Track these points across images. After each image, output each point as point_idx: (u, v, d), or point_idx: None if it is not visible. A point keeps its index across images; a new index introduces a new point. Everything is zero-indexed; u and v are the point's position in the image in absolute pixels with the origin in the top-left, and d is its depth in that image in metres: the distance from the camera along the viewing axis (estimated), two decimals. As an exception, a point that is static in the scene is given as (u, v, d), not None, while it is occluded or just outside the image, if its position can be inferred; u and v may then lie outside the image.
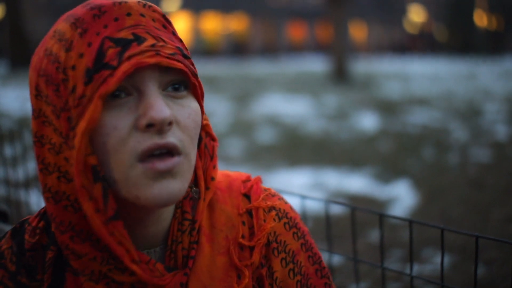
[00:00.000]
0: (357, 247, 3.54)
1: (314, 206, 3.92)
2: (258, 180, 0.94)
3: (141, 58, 0.72)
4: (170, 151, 0.74)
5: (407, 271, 3.48)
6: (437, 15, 51.56)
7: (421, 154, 7.15)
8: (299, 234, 0.92)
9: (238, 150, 7.50)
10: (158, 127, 0.72)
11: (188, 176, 0.77)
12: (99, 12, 0.74)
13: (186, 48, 0.81)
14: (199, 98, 0.81)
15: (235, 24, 42.47)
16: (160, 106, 0.72)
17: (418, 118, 10.28)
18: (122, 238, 0.74)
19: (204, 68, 25.92)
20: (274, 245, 0.88)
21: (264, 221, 0.88)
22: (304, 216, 1.50)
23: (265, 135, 8.65)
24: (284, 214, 0.92)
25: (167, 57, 0.74)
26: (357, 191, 5.38)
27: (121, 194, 0.74)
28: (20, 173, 3.22)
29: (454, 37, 47.23)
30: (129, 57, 0.72)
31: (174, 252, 0.82)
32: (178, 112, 0.76)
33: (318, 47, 45.31)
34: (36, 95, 0.77)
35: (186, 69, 0.76)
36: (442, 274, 1.09)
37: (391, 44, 52.24)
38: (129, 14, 0.75)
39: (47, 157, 0.76)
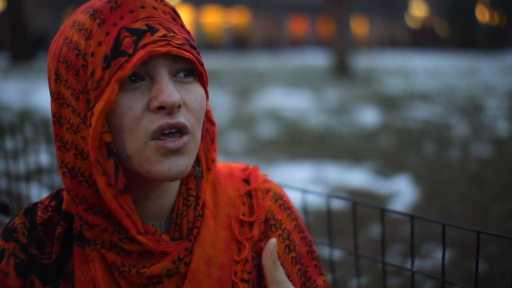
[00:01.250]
0: (358, 242, 3.55)
1: (315, 200, 3.93)
2: (256, 168, 1.04)
3: (154, 47, 0.80)
4: (179, 130, 0.82)
5: (408, 266, 3.49)
6: (438, 10, 51.44)
7: (422, 149, 7.14)
8: (292, 216, 1.00)
9: (239, 144, 7.50)
10: (168, 109, 0.80)
11: (194, 154, 0.85)
12: (115, 4, 0.82)
13: (193, 39, 0.89)
14: (205, 84, 0.89)
15: (236, 18, 42.40)
16: (171, 91, 0.80)
17: (419, 113, 10.27)
18: (130, 211, 0.82)
19: (205, 62, 25.72)
20: (272, 222, 0.97)
21: (263, 200, 0.97)
22: (305, 210, 1.50)
23: (266, 129, 8.65)
24: (279, 197, 1.01)
25: (177, 47, 0.82)
26: (358, 186, 5.39)
27: (133, 168, 0.82)
28: (21, 166, 3.23)
29: (455, 32, 47.13)
30: (144, 46, 0.79)
31: (179, 225, 0.90)
32: (186, 96, 0.84)
33: (319, 42, 45.24)
34: (56, 79, 0.84)
35: (194, 58, 0.84)
36: (443, 269, 1.09)
37: (392, 39, 52.14)
38: (143, 7, 0.83)
39: (65, 135, 0.83)
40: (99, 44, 0.80)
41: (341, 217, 4.03)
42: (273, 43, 43.56)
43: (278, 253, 0.94)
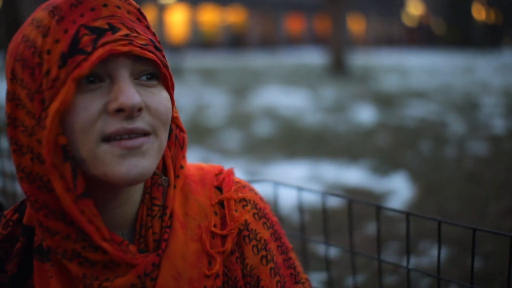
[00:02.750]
0: (355, 240, 3.55)
1: (312, 198, 3.92)
2: (230, 173, 0.98)
3: (115, 45, 0.76)
4: (138, 136, 0.77)
5: (404, 263, 3.49)
6: (435, 8, 51.50)
7: (419, 147, 7.15)
8: (268, 224, 0.95)
9: (235, 143, 7.49)
10: (128, 112, 0.75)
11: (157, 157, 0.80)
12: (76, 1, 0.78)
13: (158, 41, 0.85)
14: (170, 89, 0.85)
15: (233, 16, 42.38)
16: (131, 92, 0.76)
17: (416, 111, 10.29)
18: (92, 216, 0.77)
19: (201, 61, 25.87)
20: (245, 233, 0.92)
21: (236, 211, 0.92)
22: (301, 208, 1.50)
23: (263, 128, 8.65)
24: (254, 205, 0.95)
25: (140, 47, 0.78)
26: (354, 184, 5.39)
27: (89, 172, 0.77)
28: (16, 165, 3.21)
29: (452, 30, 47.20)
30: (104, 44, 0.75)
31: (143, 237, 0.85)
32: (149, 99, 0.79)
33: (316, 40, 45.26)
34: (12, 78, 0.79)
35: (157, 60, 0.80)
36: (438, 266, 1.09)
37: (389, 37, 52.19)
38: (105, 5, 0.79)
39: (20, 138, 0.78)
40: (56, 41, 0.76)
41: (338, 215, 4.03)
42: (270, 41, 43.57)
43: (249, 264, 0.91)
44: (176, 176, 0.90)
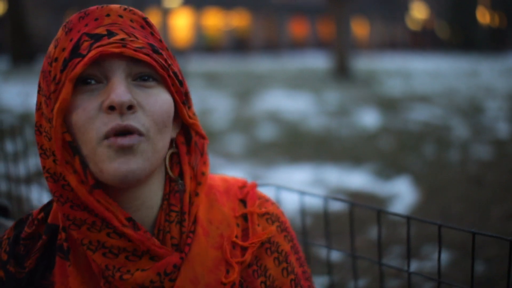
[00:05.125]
0: (357, 244, 3.55)
1: (314, 202, 3.93)
2: (254, 186, 1.02)
3: (107, 47, 0.81)
4: (131, 133, 0.80)
5: (406, 267, 3.49)
6: (439, 12, 51.46)
7: (422, 151, 7.15)
8: (289, 238, 0.99)
9: (239, 147, 7.50)
10: (118, 109, 0.80)
11: (150, 159, 0.83)
12: (84, 14, 0.86)
13: (163, 47, 0.89)
14: (172, 91, 0.88)
15: (236, 20, 42.42)
16: (121, 91, 0.80)
17: (419, 115, 10.28)
18: (108, 204, 0.82)
19: (205, 65, 25.89)
20: (267, 245, 0.95)
21: (259, 225, 0.96)
22: (303, 212, 1.51)
23: (266, 132, 8.66)
24: (276, 219, 0.99)
25: (134, 50, 0.82)
26: (358, 188, 5.39)
27: (91, 169, 0.82)
28: (21, 169, 3.23)
29: (456, 34, 47.15)
30: (97, 47, 0.81)
31: (161, 241, 0.88)
32: (145, 99, 0.83)
33: (320, 44, 45.25)
34: (38, 90, 0.88)
35: (153, 62, 0.84)
36: (439, 270, 1.10)
37: (392, 41, 52.15)
38: (108, 15, 0.86)
39: (44, 143, 0.86)
40: (63, 49, 0.83)
41: (340, 219, 4.04)
42: (274, 45, 43.58)
43: (271, 275, 0.94)
44: (198, 183, 0.93)
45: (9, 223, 1.36)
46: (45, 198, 3.50)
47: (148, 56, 0.83)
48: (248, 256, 0.91)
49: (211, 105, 11.12)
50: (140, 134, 0.81)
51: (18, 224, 0.94)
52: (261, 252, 0.94)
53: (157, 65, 0.84)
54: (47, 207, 0.94)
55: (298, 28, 46.38)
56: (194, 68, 21.93)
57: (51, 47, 0.86)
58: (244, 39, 42.95)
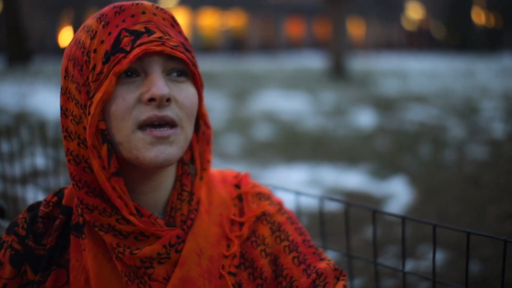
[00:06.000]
0: (353, 244, 3.56)
1: (310, 202, 3.93)
2: (247, 175, 1.12)
3: (150, 45, 0.89)
4: (167, 123, 0.90)
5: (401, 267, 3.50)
6: (435, 12, 51.53)
7: (418, 151, 7.16)
8: (282, 211, 1.07)
9: (235, 147, 7.50)
10: (158, 101, 0.88)
11: (183, 146, 0.93)
12: (120, 9, 0.93)
13: (189, 45, 0.98)
14: (198, 86, 0.98)
15: (233, 20, 42.42)
16: (161, 84, 0.89)
17: (415, 115, 10.30)
18: (122, 193, 0.90)
19: (201, 65, 25.74)
20: (262, 217, 1.05)
21: (253, 203, 1.06)
22: (299, 212, 1.51)
23: (263, 132, 8.66)
24: (268, 197, 1.08)
25: (171, 48, 0.91)
26: (354, 188, 5.40)
27: (123, 154, 0.91)
28: (17, 169, 3.23)
29: (452, 34, 47.23)
30: (140, 44, 0.89)
31: (172, 217, 0.98)
32: (177, 93, 0.93)
33: (316, 44, 45.26)
34: (65, 76, 0.94)
35: (186, 59, 0.93)
36: (434, 270, 1.11)
37: (388, 41, 52.21)
38: (143, 13, 0.93)
39: (70, 126, 0.93)
40: (102, 42, 0.90)
41: (336, 219, 4.05)
42: (270, 45, 43.58)
43: (269, 243, 1.02)
44: (203, 169, 1.03)
45: (5, 224, 1.36)
46: (41, 198, 3.50)
47: (183, 54, 0.92)
48: (245, 230, 1.01)
49: (207, 105, 10.97)
50: (173, 123, 0.90)
51: (30, 208, 1.01)
52: (257, 224, 1.04)
53: (190, 63, 0.93)
54: (59, 193, 1.02)
55: (294, 28, 46.39)
56: (190, 68, 21.84)
57: (83, 37, 0.92)
58: (240, 39, 42.94)
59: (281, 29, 45.19)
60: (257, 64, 27.82)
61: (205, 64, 25.74)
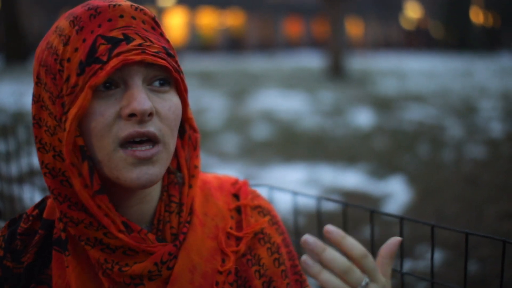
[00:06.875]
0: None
1: (308, 202, 3.93)
2: (246, 183, 1.05)
3: (128, 55, 0.81)
4: (149, 139, 0.83)
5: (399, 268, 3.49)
6: (433, 11, 51.56)
7: (416, 150, 7.16)
8: (280, 231, 1.02)
9: (233, 146, 7.49)
10: (139, 117, 0.81)
11: (165, 164, 0.86)
12: (95, 12, 0.83)
13: (172, 48, 0.90)
14: (183, 92, 0.90)
15: (231, 19, 42.41)
16: (142, 98, 0.81)
17: (414, 114, 10.30)
18: (108, 210, 0.83)
19: (200, 64, 25.86)
20: (260, 235, 0.99)
21: (252, 217, 1.00)
22: (296, 212, 1.50)
23: (261, 131, 8.65)
24: (267, 212, 1.03)
25: (152, 55, 0.83)
26: (352, 187, 5.39)
27: (103, 173, 0.84)
28: (13, 169, 3.22)
29: (450, 34, 47.26)
30: (118, 54, 0.80)
31: (161, 231, 0.91)
32: (160, 105, 0.85)
33: (314, 43, 45.27)
34: (37, 82, 0.86)
35: (169, 66, 0.85)
36: (432, 270, 1.10)
37: (387, 40, 52.24)
38: (121, 16, 0.84)
39: (44, 137, 0.85)
40: (76, 50, 0.81)
41: (334, 219, 4.03)
42: (268, 45, 43.58)
43: (265, 264, 0.97)
44: (191, 176, 0.96)
45: (1, 224, 1.35)
46: (37, 197, 3.49)
47: (165, 61, 0.84)
48: (242, 246, 0.95)
49: (205, 104, 11.10)
50: (156, 139, 0.83)
51: (12, 223, 0.95)
52: (254, 243, 0.98)
53: (172, 69, 0.86)
54: (40, 205, 0.96)
55: (292, 27, 46.39)
56: (188, 67, 21.91)
57: (56, 41, 0.84)
58: (239, 39, 42.93)
59: (280, 28, 45.19)
60: (256, 63, 27.81)
61: (203, 63, 25.73)
